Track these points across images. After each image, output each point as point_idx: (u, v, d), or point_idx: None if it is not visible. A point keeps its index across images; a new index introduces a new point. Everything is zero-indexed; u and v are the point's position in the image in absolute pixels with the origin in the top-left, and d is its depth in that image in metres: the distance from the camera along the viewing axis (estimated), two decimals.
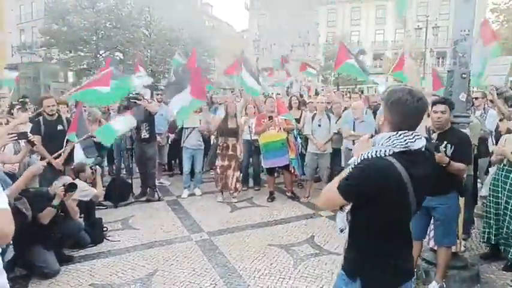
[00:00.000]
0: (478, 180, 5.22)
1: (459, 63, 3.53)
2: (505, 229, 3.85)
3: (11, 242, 3.02)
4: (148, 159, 6.53)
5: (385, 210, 1.63)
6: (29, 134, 4.15)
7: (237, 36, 54.35)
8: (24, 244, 3.58)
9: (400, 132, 1.64)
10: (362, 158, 1.64)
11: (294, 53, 20.85)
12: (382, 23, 44.71)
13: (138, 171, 6.83)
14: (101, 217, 5.06)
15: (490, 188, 4.16)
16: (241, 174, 6.73)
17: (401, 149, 1.61)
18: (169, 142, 7.92)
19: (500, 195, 3.96)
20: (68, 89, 18.75)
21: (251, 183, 7.44)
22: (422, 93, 1.71)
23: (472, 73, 4.01)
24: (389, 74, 7.98)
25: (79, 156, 4.97)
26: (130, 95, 6.46)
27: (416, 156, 1.64)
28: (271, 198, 6.53)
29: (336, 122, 6.44)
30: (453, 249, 3.43)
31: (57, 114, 5.26)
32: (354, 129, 5.94)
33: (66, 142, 5.07)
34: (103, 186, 5.62)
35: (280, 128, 6.45)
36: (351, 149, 5.25)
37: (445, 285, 3.37)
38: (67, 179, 4.06)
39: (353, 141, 5.65)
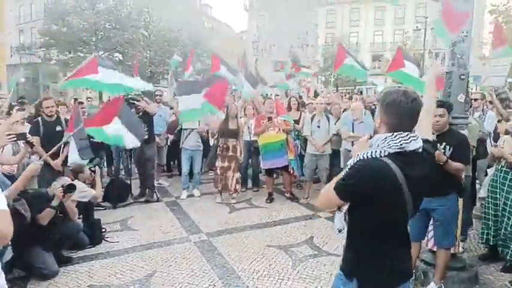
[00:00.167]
0: (477, 181, 5.23)
1: (457, 64, 3.54)
2: (503, 230, 3.86)
3: (10, 243, 3.01)
4: (147, 160, 6.53)
5: (381, 211, 1.64)
6: (28, 135, 4.14)
7: (236, 37, 54.42)
8: (22, 245, 3.58)
9: (395, 134, 1.65)
10: (358, 159, 1.66)
11: (293, 54, 20.85)
12: (381, 24, 44.82)
13: (136, 172, 6.83)
14: (100, 218, 5.04)
15: (488, 189, 4.17)
16: (240, 176, 6.73)
17: (397, 150, 1.63)
18: (168, 143, 7.92)
19: (498, 196, 3.97)
20: (66, 89, 18.75)
21: (250, 184, 7.44)
22: (417, 94, 1.73)
23: None
24: (384, 74, 7.93)
25: (73, 156, 4.96)
26: (130, 96, 6.46)
27: (412, 157, 1.65)
28: (270, 199, 6.53)
29: (335, 123, 6.45)
30: (452, 250, 3.44)
31: (56, 116, 5.27)
32: (352, 131, 5.95)
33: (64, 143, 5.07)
34: (102, 187, 5.62)
35: (279, 129, 6.46)
36: (350, 150, 5.27)
37: (443, 287, 3.38)
38: (66, 180, 4.06)
39: (352, 142, 5.66)
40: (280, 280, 3.73)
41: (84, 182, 4.83)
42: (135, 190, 6.70)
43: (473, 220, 5.00)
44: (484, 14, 29.09)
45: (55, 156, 5.13)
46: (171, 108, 8.04)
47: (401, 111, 1.66)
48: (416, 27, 30.61)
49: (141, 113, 6.35)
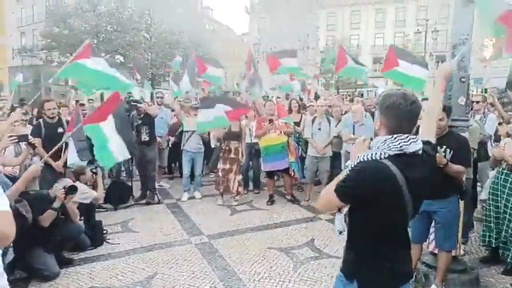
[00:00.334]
0: (478, 183, 5.23)
1: (458, 67, 3.55)
2: (503, 233, 3.85)
3: (11, 244, 3.02)
4: (149, 162, 6.54)
5: (381, 213, 1.65)
6: (30, 137, 4.16)
7: (237, 39, 54.51)
8: (24, 246, 3.58)
9: (395, 136, 1.66)
10: (358, 161, 1.67)
11: None
12: (381, 26, 44.84)
13: (138, 174, 6.84)
14: (101, 220, 5.05)
15: (489, 192, 4.16)
16: (242, 178, 6.73)
17: (397, 152, 1.64)
18: (170, 145, 7.93)
19: (499, 198, 3.97)
20: (68, 92, 18.78)
21: (251, 186, 7.44)
22: (416, 96, 1.75)
23: None
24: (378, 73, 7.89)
25: (72, 158, 4.97)
26: (131, 98, 6.49)
27: (412, 159, 1.66)
28: (271, 201, 6.53)
29: (335, 126, 6.46)
30: (453, 252, 3.43)
31: (57, 117, 5.29)
32: (353, 133, 5.96)
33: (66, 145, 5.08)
34: (103, 189, 5.62)
35: (280, 132, 6.46)
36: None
37: None
38: (67, 182, 4.07)
39: (352, 144, 5.65)
40: (281, 282, 3.73)
41: (85, 184, 4.85)
42: (136, 192, 6.70)
43: (475, 223, 5.00)
44: None
45: (56, 157, 5.15)
46: (173, 110, 8.06)
47: (400, 114, 1.68)
48: (418, 30, 30.60)
49: (142, 115, 6.38)
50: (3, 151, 4.41)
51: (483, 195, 5.12)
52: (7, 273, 1.67)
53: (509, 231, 3.77)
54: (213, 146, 7.07)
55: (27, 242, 3.54)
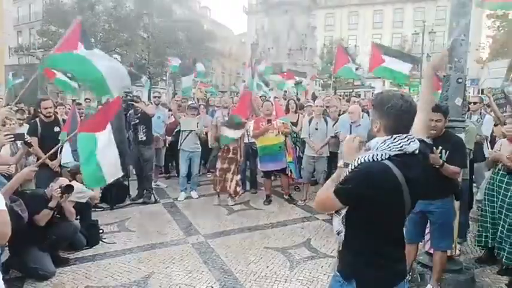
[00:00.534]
0: (474, 184, 5.25)
1: (455, 68, 3.56)
2: (499, 233, 3.87)
3: (6, 243, 3.01)
4: (146, 162, 6.53)
5: (381, 213, 1.66)
6: (26, 136, 4.14)
7: (236, 39, 54.49)
8: (19, 246, 3.57)
9: (394, 136, 1.67)
10: (359, 162, 1.67)
11: (292, 57, 20.88)
12: (379, 27, 44.92)
13: (134, 173, 6.82)
14: (97, 219, 5.03)
15: (485, 192, 4.18)
16: (240, 178, 6.72)
17: (397, 152, 1.65)
18: (167, 145, 7.92)
19: (495, 199, 3.99)
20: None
21: (248, 186, 7.44)
22: (411, 97, 1.78)
23: None
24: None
25: (66, 157, 4.95)
26: (128, 97, 6.48)
27: (411, 159, 1.68)
28: (268, 201, 6.53)
29: (333, 126, 6.47)
30: (448, 252, 3.45)
31: (53, 116, 5.27)
32: (350, 133, 5.96)
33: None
34: (99, 188, 5.60)
35: (278, 132, 6.46)
36: None
37: None
38: (63, 181, 4.05)
39: None
40: (277, 282, 3.73)
41: (81, 183, 4.82)
42: (133, 191, 6.69)
43: (470, 223, 5.02)
44: (482, 19, 29.23)
45: (53, 157, 5.13)
46: (170, 110, 8.06)
47: (401, 115, 1.70)
48: (415, 31, 30.69)
49: (139, 114, 6.36)
50: None
51: (479, 195, 5.15)
52: (2, 273, 1.67)
53: (505, 231, 3.79)
54: (210, 145, 7.07)
55: (22, 241, 3.52)
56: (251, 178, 7.42)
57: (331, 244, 4.60)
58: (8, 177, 4.62)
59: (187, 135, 6.70)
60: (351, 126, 6.01)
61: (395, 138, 1.66)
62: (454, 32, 3.44)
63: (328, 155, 6.44)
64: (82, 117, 6.39)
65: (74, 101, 9.47)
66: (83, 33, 4.15)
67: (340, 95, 14.13)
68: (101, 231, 4.91)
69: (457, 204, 3.47)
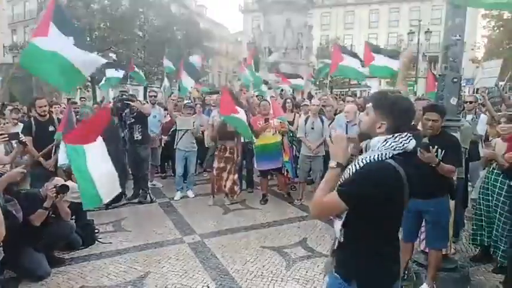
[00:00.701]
0: (469, 183, 5.28)
1: (450, 67, 3.58)
2: (494, 231, 3.90)
3: (1, 243, 2.99)
4: (142, 161, 6.51)
5: (385, 212, 1.66)
6: (21, 135, 4.11)
7: (232, 38, 54.41)
8: (14, 246, 3.54)
9: (395, 135, 1.68)
10: (364, 163, 1.66)
11: (287, 56, 20.86)
12: (375, 26, 45.06)
13: (130, 172, 6.79)
14: (93, 219, 5.01)
15: (480, 191, 4.21)
16: (237, 177, 6.71)
17: (399, 151, 1.66)
18: (163, 144, 7.89)
19: (490, 198, 4.01)
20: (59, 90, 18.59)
21: (244, 185, 7.43)
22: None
23: None
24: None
25: (62, 158, 4.93)
26: (124, 96, 6.45)
27: (409, 157, 1.69)
28: (264, 200, 6.53)
29: (329, 125, 6.48)
30: (444, 251, 3.46)
31: (48, 115, 5.24)
32: (346, 132, 5.97)
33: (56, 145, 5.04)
34: None
35: (275, 131, 6.46)
36: None
37: (435, 287, 3.40)
38: (59, 181, 4.03)
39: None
40: (273, 281, 3.74)
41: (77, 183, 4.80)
42: (129, 191, 6.65)
43: (465, 221, 5.05)
44: (477, 18, 29.40)
45: (48, 156, 5.11)
46: (166, 109, 8.03)
47: (403, 113, 1.73)
48: (411, 30, 30.79)
49: (135, 114, 6.34)
50: None
51: (474, 194, 5.17)
52: None
53: (500, 230, 3.82)
54: (206, 145, 7.05)
55: (17, 242, 3.49)
56: (247, 177, 7.42)
57: (327, 243, 4.60)
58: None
59: (184, 135, 6.68)
60: (346, 125, 6.02)
61: (397, 137, 1.67)
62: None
63: (324, 154, 6.44)
64: (77, 117, 6.34)
65: (69, 100, 9.42)
66: (57, 9, 3.79)
67: (337, 94, 14.16)
68: (96, 231, 4.89)
69: (452, 203, 3.49)
